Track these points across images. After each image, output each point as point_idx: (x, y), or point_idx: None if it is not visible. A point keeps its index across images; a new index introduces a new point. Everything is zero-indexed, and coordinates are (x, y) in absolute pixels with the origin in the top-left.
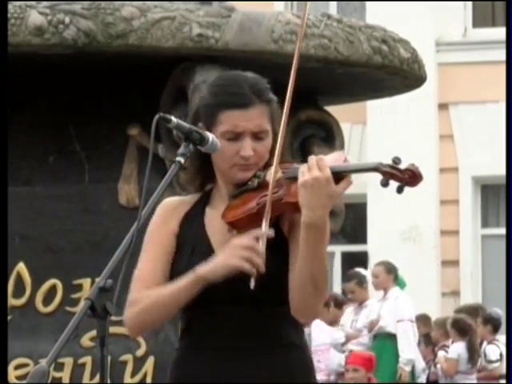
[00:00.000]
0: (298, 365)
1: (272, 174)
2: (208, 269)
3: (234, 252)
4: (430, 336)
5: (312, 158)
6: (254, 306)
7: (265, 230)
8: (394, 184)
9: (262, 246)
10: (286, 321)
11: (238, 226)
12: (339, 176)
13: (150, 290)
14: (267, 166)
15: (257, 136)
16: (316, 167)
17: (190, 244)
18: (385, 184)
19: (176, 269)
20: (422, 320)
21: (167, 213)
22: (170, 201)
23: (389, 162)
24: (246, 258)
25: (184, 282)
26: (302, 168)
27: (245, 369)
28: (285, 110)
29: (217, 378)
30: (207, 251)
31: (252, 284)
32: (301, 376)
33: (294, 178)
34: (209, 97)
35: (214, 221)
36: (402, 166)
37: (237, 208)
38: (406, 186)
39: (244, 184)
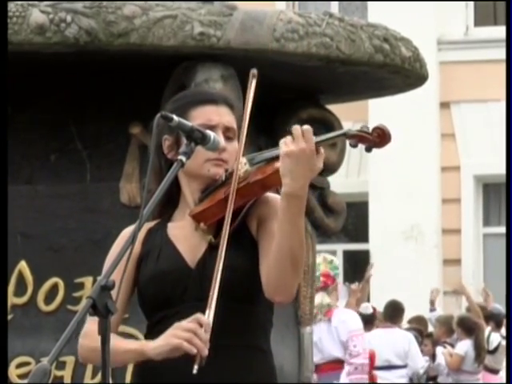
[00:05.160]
0: (261, 368)
1: (236, 164)
2: (152, 347)
3: (176, 332)
4: (431, 334)
5: (297, 129)
6: (219, 303)
7: (209, 319)
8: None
9: (205, 334)
10: (252, 321)
11: (205, 215)
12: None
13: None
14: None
15: (226, 135)
16: (301, 138)
17: (156, 251)
18: (354, 145)
19: (144, 274)
20: (417, 321)
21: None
22: (128, 229)
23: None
24: (186, 338)
25: (131, 346)
26: (285, 139)
27: (206, 368)
28: (246, 107)
29: (179, 378)
30: (173, 253)
31: (195, 368)
32: (263, 380)
33: (261, 162)
34: (178, 98)
35: (176, 229)
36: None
37: (204, 203)
38: (374, 147)
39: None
